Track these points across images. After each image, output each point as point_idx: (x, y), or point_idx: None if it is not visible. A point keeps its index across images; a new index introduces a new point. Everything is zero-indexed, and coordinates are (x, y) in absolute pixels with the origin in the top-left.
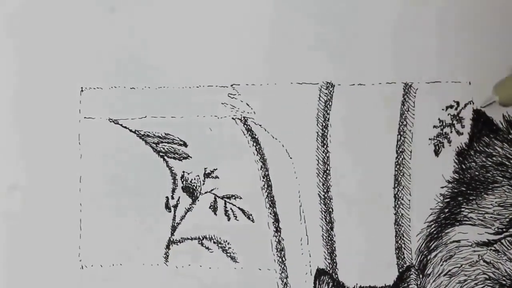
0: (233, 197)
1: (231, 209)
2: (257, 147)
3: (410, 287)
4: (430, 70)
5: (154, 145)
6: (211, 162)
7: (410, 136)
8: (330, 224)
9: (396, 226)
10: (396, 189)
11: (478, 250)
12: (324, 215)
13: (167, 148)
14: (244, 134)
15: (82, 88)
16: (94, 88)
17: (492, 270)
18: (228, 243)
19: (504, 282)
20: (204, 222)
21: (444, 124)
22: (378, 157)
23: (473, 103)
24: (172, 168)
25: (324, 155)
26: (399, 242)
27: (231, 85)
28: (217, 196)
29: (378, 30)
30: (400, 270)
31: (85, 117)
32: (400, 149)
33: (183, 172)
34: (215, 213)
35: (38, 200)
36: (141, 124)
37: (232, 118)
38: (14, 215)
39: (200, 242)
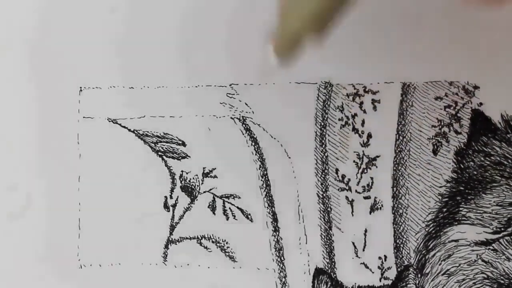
0: (232, 197)
1: (229, 208)
2: (255, 146)
3: (409, 287)
4: (428, 70)
5: (153, 144)
6: (209, 162)
7: (408, 135)
8: (329, 224)
9: (394, 225)
10: (395, 188)
11: (477, 249)
12: (323, 215)
13: (166, 148)
14: (243, 134)
15: (81, 88)
16: (93, 88)
17: (491, 269)
18: (226, 243)
19: (502, 282)
20: (202, 222)
21: (442, 123)
22: (376, 156)
23: (471, 103)
24: (171, 168)
25: (323, 155)
26: (398, 241)
27: (230, 85)
28: (216, 195)
29: (377, 29)
30: (399, 269)
31: (84, 117)
32: (399, 149)
33: (182, 171)
34: (213, 213)
35: (36, 199)
36: (140, 124)
37: (231, 118)
38: (12, 215)
39: (198, 241)
